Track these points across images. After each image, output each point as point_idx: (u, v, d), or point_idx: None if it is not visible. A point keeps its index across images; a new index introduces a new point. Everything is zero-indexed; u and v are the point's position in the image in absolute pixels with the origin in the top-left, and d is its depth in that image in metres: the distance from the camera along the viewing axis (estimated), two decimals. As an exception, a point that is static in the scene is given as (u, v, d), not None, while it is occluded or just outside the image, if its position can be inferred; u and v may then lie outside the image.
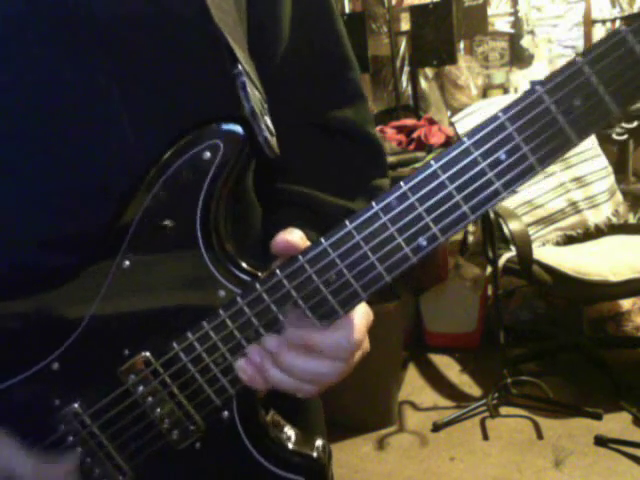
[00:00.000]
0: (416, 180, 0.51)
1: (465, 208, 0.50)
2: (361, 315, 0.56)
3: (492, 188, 0.49)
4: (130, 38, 0.56)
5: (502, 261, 2.43)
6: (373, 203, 0.51)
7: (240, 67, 0.56)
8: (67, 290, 0.56)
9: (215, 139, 0.55)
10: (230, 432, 0.58)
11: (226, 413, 0.58)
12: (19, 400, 0.57)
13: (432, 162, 0.50)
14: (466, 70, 4.12)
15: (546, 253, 2.43)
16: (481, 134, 0.49)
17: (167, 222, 0.56)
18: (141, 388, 0.57)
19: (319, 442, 0.63)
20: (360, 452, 2.38)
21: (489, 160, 0.49)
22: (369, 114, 0.72)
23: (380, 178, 0.70)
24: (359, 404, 2.42)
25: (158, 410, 0.57)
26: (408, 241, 0.51)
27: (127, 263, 0.56)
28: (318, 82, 0.68)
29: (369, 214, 0.52)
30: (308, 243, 0.54)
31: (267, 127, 0.56)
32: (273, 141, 0.57)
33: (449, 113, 4.05)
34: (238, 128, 0.55)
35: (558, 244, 2.64)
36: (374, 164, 0.71)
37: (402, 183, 0.51)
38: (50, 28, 0.54)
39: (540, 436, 2.35)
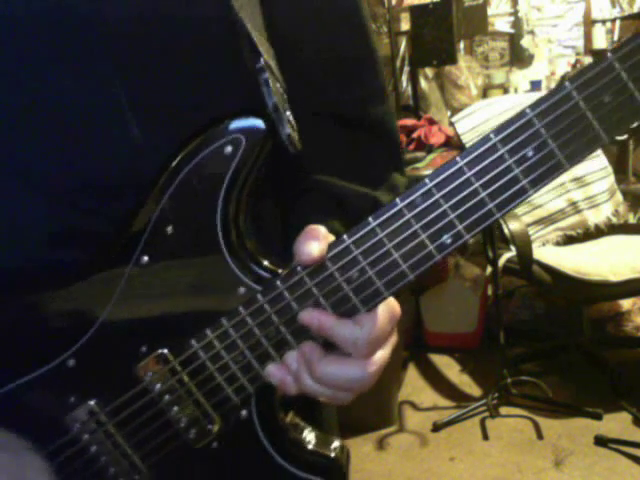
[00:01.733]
0: (441, 177, 0.50)
1: (491, 206, 0.49)
2: (385, 309, 0.54)
3: (519, 185, 0.49)
4: (139, 36, 0.55)
5: (502, 261, 2.42)
6: (397, 200, 0.51)
7: (262, 61, 0.55)
8: (83, 287, 0.56)
9: (237, 134, 0.54)
10: (248, 432, 0.58)
11: (244, 412, 0.57)
12: (34, 397, 0.56)
13: (458, 159, 0.49)
14: (466, 70, 4.12)
15: (546, 253, 2.43)
16: (508, 130, 0.48)
17: (186, 218, 0.55)
18: (158, 386, 0.56)
19: (337, 443, 0.62)
20: (360, 452, 2.38)
21: (516, 157, 0.48)
22: (391, 110, 0.71)
23: (399, 175, 0.70)
24: (359, 404, 2.41)
25: (175, 408, 0.57)
26: (432, 239, 0.51)
27: (145, 259, 0.55)
28: (342, 75, 0.67)
29: (393, 211, 0.51)
30: (332, 238, 0.53)
31: (289, 122, 0.56)
32: (295, 137, 0.56)
33: (449, 113, 4.05)
34: (261, 123, 0.54)
35: (558, 244, 2.64)
36: (394, 160, 0.71)
37: (427, 179, 0.50)
38: (56, 28, 0.54)
39: (540, 436, 2.35)
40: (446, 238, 0.50)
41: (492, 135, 0.48)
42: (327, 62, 0.65)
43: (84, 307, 0.56)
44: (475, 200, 0.49)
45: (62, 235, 0.57)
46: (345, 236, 0.52)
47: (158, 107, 0.57)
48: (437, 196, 0.50)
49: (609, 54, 0.46)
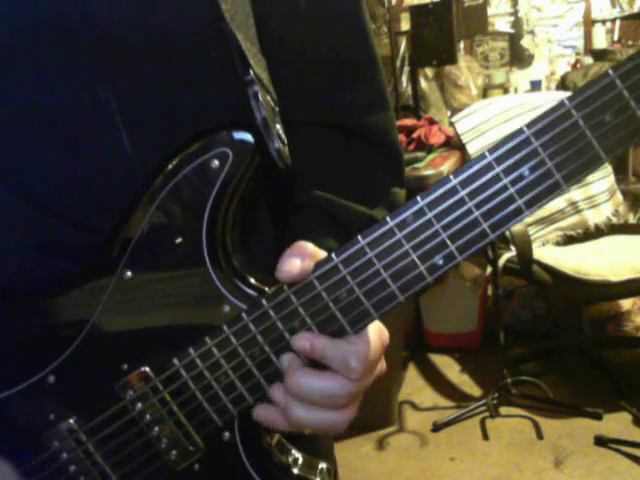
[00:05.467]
0: (434, 195, 0.48)
1: (485, 226, 0.48)
2: (375, 333, 0.52)
3: (514, 206, 0.47)
4: (130, 45, 0.55)
5: (502, 261, 2.42)
6: (387, 218, 0.49)
7: (252, 74, 0.54)
8: (65, 301, 0.55)
9: (224, 147, 0.52)
10: (231, 454, 0.56)
11: (227, 434, 0.55)
12: (12, 414, 0.55)
13: (451, 177, 0.48)
14: (466, 70, 4.12)
15: (546, 253, 2.43)
16: (504, 149, 0.47)
17: (171, 233, 0.54)
18: (139, 405, 0.55)
19: (323, 465, 0.60)
20: (360, 452, 2.38)
21: (512, 176, 0.47)
22: (393, 120, 0.69)
23: (398, 188, 0.68)
24: (359, 404, 2.41)
25: (156, 428, 0.55)
26: (423, 259, 0.49)
27: (128, 274, 0.54)
28: (341, 84, 0.65)
29: (383, 230, 0.49)
30: (322, 255, 0.51)
31: (279, 136, 0.54)
32: (285, 151, 0.54)
33: (449, 113, 4.05)
34: (249, 136, 0.53)
35: (558, 244, 2.64)
36: (393, 173, 0.69)
37: (419, 198, 0.49)
38: (48, 35, 0.54)
39: (540, 436, 2.35)
40: (438, 259, 0.49)
41: (487, 154, 0.47)
42: (324, 68, 0.64)
43: (65, 322, 0.55)
44: (468, 220, 0.48)
45: (47, 245, 0.56)
46: (333, 254, 0.50)
47: (149, 118, 0.56)
48: (429, 215, 0.48)
49: (610, 72, 0.45)
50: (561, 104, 0.46)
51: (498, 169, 0.47)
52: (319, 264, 0.51)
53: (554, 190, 0.47)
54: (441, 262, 0.49)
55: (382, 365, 0.54)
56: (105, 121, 0.55)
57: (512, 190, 0.47)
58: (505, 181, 0.47)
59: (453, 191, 0.48)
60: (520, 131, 0.47)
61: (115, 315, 0.54)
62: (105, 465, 0.56)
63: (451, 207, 0.48)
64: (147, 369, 0.54)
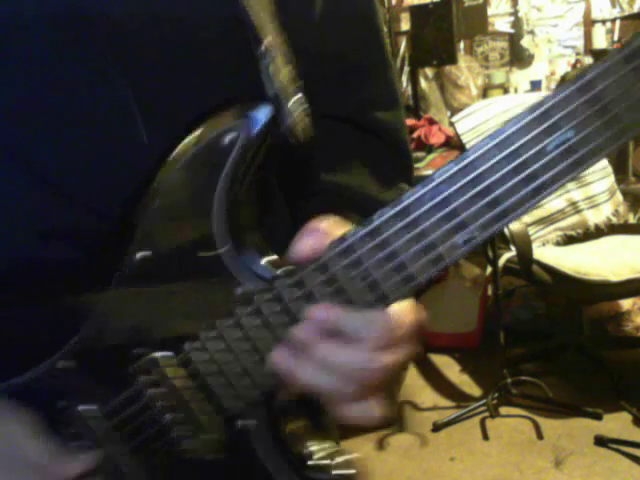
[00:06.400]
0: (449, 172, 0.45)
1: (507, 204, 0.44)
2: (401, 306, 0.49)
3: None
4: (145, 34, 0.55)
5: (502, 261, 2.43)
6: (403, 197, 0.46)
7: (263, 47, 0.52)
8: (75, 285, 0.53)
9: (235, 123, 0.51)
10: (245, 444, 0.54)
11: (242, 422, 0.53)
12: (23, 401, 0.54)
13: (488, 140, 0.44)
14: (466, 70, 4.13)
15: (546, 253, 2.44)
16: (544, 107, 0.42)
17: (182, 213, 0.52)
18: (150, 391, 0.53)
19: (345, 456, 0.58)
20: (360, 452, 2.38)
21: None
22: (403, 119, 0.68)
23: (407, 185, 0.66)
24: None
25: (168, 416, 0.54)
26: (443, 239, 0.46)
27: (139, 257, 0.53)
28: (353, 81, 0.65)
29: (399, 208, 0.46)
30: (338, 233, 0.49)
31: (293, 111, 0.52)
32: (298, 128, 0.53)
33: (449, 113, 4.05)
34: (260, 112, 0.51)
35: (558, 244, 2.64)
36: (403, 170, 0.68)
37: (434, 175, 0.45)
38: (63, 28, 0.54)
39: (540, 436, 2.35)
40: (458, 238, 0.46)
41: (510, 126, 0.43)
42: (336, 65, 0.64)
43: (75, 307, 0.54)
44: (489, 198, 0.44)
45: (61, 231, 0.56)
46: (349, 234, 0.48)
47: (165, 108, 0.56)
48: (447, 193, 0.45)
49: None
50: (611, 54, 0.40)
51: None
52: (334, 243, 0.48)
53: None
54: (462, 241, 0.45)
55: (409, 348, 0.50)
56: (121, 111, 0.55)
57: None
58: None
59: (490, 154, 0.43)
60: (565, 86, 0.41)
61: (125, 299, 0.53)
62: (118, 453, 0.55)
63: (470, 183, 0.44)
64: (158, 354, 0.53)
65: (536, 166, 0.43)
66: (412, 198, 0.46)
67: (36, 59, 0.54)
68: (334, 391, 0.50)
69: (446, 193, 0.45)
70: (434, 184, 0.45)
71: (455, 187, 0.45)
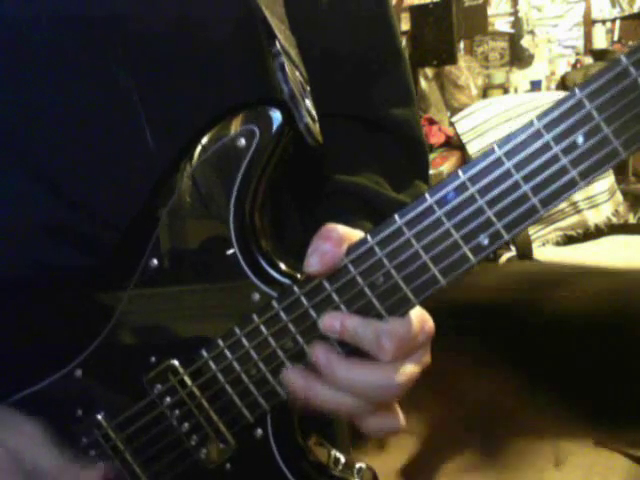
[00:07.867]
0: (476, 168, 0.44)
1: (534, 200, 0.43)
2: (416, 315, 0.48)
3: (567, 177, 0.42)
4: (153, 37, 0.54)
5: (502, 261, 2.43)
6: (427, 195, 0.45)
7: (278, 45, 0.51)
8: (90, 292, 0.53)
9: (251, 125, 0.50)
10: (263, 453, 0.53)
11: (260, 431, 0.52)
12: (39, 409, 0.53)
13: (495, 147, 0.44)
14: (466, 70, 4.13)
15: (546, 253, 2.44)
16: (554, 114, 0.42)
17: (197, 217, 0.52)
18: (167, 399, 0.52)
19: (361, 465, 0.57)
20: (360, 452, 2.38)
21: (564, 144, 0.42)
22: (416, 117, 0.68)
23: (422, 182, 0.66)
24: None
25: (186, 425, 0.53)
26: (467, 239, 0.45)
27: (154, 263, 0.52)
28: (367, 78, 0.64)
29: (422, 207, 0.45)
30: (355, 237, 0.48)
31: (308, 112, 0.51)
32: (315, 128, 0.51)
33: (449, 113, 4.05)
34: (276, 112, 0.50)
35: (558, 244, 2.64)
36: (417, 167, 0.67)
37: (460, 172, 0.44)
38: (72, 29, 0.54)
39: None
40: (483, 238, 0.45)
41: (535, 120, 0.43)
42: (350, 62, 0.63)
43: (91, 315, 0.53)
44: (516, 195, 0.43)
45: (70, 237, 0.56)
46: (369, 236, 0.47)
47: (171, 111, 0.55)
48: (472, 190, 0.44)
49: None
50: (617, 62, 0.41)
51: (548, 137, 0.42)
52: (353, 247, 0.47)
53: (612, 158, 0.42)
54: (486, 242, 0.45)
55: (427, 357, 0.50)
56: (128, 114, 0.54)
57: (565, 160, 0.42)
58: (556, 149, 0.42)
59: (498, 163, 0.43)
60: (572, 94, 0.42)
61: (141, 306, 0.53)
62: (134, 463, 0.54)
63: (496, 180, 0.44)
64: (175, 362, 0.52)
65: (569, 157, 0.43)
66: (437, 196, 0.45)
67: (42, 61, 0.54)
68: (352, 411, 0.49)
69: (473, 189, 0.44)
70: (459, 181, 0.44)
71: (481, 184, 0.44)
